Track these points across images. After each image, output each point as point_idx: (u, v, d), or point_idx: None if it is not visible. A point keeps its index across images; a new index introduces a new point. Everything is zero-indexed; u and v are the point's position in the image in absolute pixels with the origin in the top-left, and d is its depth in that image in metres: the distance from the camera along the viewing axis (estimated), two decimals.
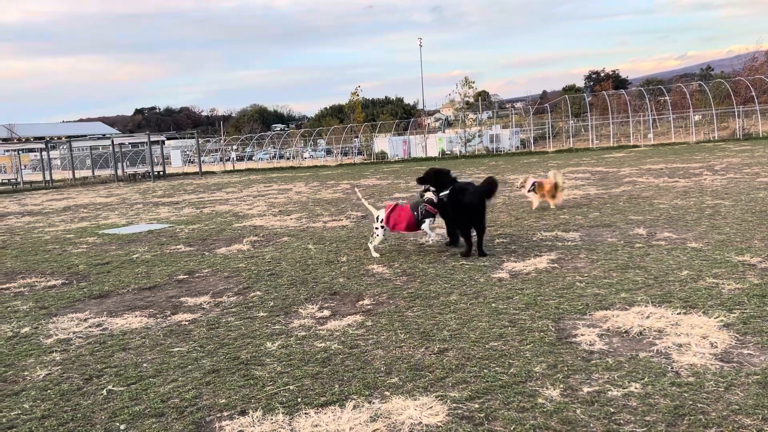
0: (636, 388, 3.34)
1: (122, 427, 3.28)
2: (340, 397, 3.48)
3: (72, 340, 4.90)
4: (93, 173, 40.46)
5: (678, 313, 4.52)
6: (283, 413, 3.32)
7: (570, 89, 79.55)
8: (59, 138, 57.02)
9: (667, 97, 43.97)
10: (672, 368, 3.58)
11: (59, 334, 5.05)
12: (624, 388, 3.35)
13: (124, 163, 43.53)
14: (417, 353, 4.12)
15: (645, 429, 2.90)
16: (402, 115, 78.65)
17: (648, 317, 4.48)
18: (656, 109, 43.91)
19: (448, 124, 60.40)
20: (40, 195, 27.20)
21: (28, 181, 37.49)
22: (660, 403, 3.15)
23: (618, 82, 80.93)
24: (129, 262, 8.22)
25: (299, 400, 3.49)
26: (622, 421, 2.99)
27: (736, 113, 35.87)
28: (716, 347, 3.84)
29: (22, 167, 42.00)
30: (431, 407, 3.29)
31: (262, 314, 5.29)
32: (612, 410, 3.11)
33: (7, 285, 7.22)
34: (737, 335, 4.02)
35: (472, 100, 45.88)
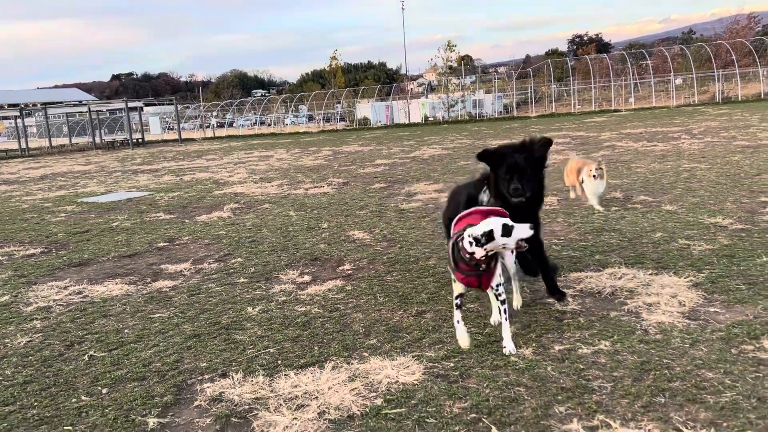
0: (605, 346, 3.45)
1: (104, 390, 3.33)
2: (319, 359, 3.56)
3: (52, 307, 4.91)
4: (70, 141, 39.76)
5: (650, 274, 4.64)
6: (263, 375, 3.40)
7: (553, 53, 79.19)
8: (34, 105, 55.68)
9: (649, 61, 44.00)
10: (641, 326, 3.70)
11: (39, 302, 5.06)
12: (594, 346, 3.46)
13: (102, 131, 42.76)
14: (395, 316, 4.20)
15: (612, 384, 3.01)
16: (385, 80, 77.91)
17: (620, 278, 4.60)
18: (638, 74, 43.95)
19: (431, 89, 60.01)
20: (16, 163, 26.73)
21: (3, 150, 36.73)
22: (628, 360, 3.26)
23: (601, 46, 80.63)
24: (109, 230, 8.18)
25: (279, 362, 3.56)
26: (590, 377, 3.10)
27: (716, 77, 36.05)
28: (684, 306, 3.97)
29: None
30: (408, 366, 3.38)
31: (242, 280, 5.33)
32: (582, 367, 3.22)
33: None
34: (705, 294, 4.14)
35: (455, 64, 45.49)
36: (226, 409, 3.04)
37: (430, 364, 3.38)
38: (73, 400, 3.25)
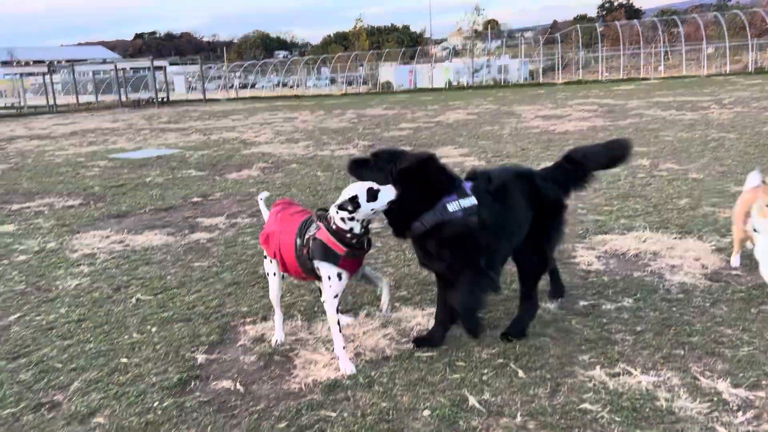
0: (628, 303, 3.60)
1: (153, 329, 3.57)
2: (353, 307, 3.76)
3: (97, 254, 5.17)
4: (96, 98, 40.14)
5: (674, 238, 4.74)
6: (301, 320, 3.61)
7: (581, 19, 77.31)
8: (59, 62, 56.06)
9: (681, 29, 42.83)
10: (663, 286, 3.83)
11: (84, 249, 5.32)
12: (617, 303, 3.61)
13: (127, 89, 43.06)
14: (424, 271, 4.36)
15: (634, 337, 3.17)
16: (408, 44, 76.86)
17: (645, 241, 4.71)
18: (669, 41, 42.86)
19: (455, 53, 59.20)
20: (45, 119, 27.15)
21: (32, 106, 37.25)
22: (650, 316, 3.41)
23: (631, 12, 78.49)
24: (142, 185, 8.43)
25: (315, 309, 3.76)
26: (613, 330, 3.26)
27: (750, 46, 35.06)
28: (707, 268, 4.08)
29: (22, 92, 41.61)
30: None
31: None
32: (605, 321, 3.37)
33: (27, 204, 7.47)
34: (727, 258, 4.24)
35: (480, 28, 44.76)
36: (269, 348, 3.26)
37: None
38: (126, 337, 3.49)
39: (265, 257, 3.32)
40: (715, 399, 2.57)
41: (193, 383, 2.94)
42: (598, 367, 2.87)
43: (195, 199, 7.30)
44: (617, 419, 2.47)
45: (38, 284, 4.48)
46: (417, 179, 2.91)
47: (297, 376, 2.95)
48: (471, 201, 2.93)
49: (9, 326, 3.72)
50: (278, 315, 3.34)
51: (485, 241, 2.97)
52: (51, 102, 35.18)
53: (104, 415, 2.68)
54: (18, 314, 3.90)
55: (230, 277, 4.42)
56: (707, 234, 4.79)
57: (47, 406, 2.79)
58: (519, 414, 2.54)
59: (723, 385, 2.66)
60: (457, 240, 2.93)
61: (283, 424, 2.56)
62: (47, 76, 36.93)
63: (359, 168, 3.05)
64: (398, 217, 2.99)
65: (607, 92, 24.11)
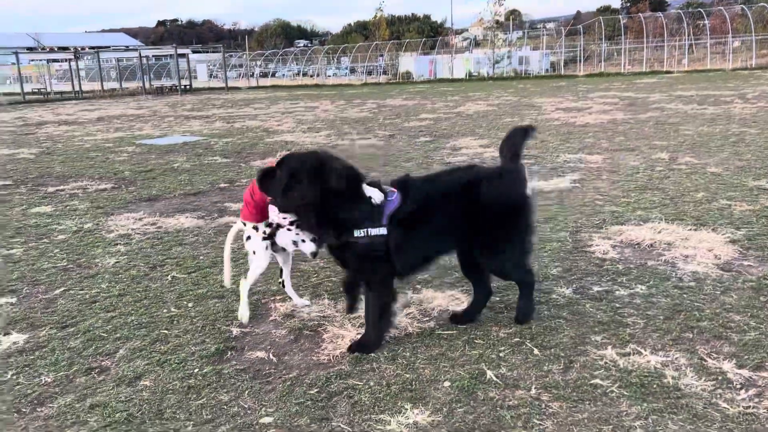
0: (641, 290, 3.75)
1: (190, 305, 3.80)
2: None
3: (132, 235, 5.43)
4: (120, 85, 40.72)
5: (689, 230, 4.86)
6: (328, 299, 3.82)
7: (605, 10, 76.37)
8: (83, 48, 56.86)
9: (707, 21, 42.25)
10: (676, 275, 3.97)
11: (119, 230, 5.58)
12: (630, 289, 3.76)
13: (150, 76, 43.61)
14: (445, 257, 4.55)
15: (645, 321, 3.33)
16: (429, 33, 76.56)
17: (660, 232, 4.84)
18: (694, 34, 42.29)
19: (476, 44, 58.88)
20: (71, 105, 27.68)
21: (58, 92, 37.94)
22: (661, 302, 3.56)
23: (656, 3, 77.41)
24: (171, 171, 8.70)
25: (341, 289, 3.96)
26: (625, 314, 3.42)
27: None
28: (719, 259, 4.21)
29: (48, 78, 42.36)
30: (457, 298, 3.75)
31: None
32: (617, 306, 3.53)
33: (62, 187, 7.77)
34: (740, 249, 4.37)
35: (502, 18, 44.52)
36: (298, 323, 3.48)
37: None
38: (164, 311, 3.73)
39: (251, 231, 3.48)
40: (720, 378, 2.73)
41: (229, 353, 3.16)
42: (609, 347, 3.04)
43: (222, 185, 7.54)
44: (626, 393, 2.64)
45: (79, 261, 4.74)
46: (336, 193, 2.92)
47: (326, 349, 3.16)
48: (380, 231, 2.95)
49: (55, 299, 3.98)
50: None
51: (394, 263, 3.03)
52: (77, 88, 35.76)
53: (149, 379, 2.92)
54: (62, 288, 4.16)
55: None
56: (722, 226, 4.91)
57: (96, 370, 3.03)
58: (533, 387, 2.73)
59: (728, 366, 2.81)
60: (362, 262, 3.05)
61: (314, 390, 2.77)
62: (73, 63, 37.49)
63: (265, 179, 3.04)
64: (315, 221, 3.03)
65: (629, 85, 23.97)
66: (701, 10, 45.22)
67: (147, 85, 37.37)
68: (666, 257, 4.31)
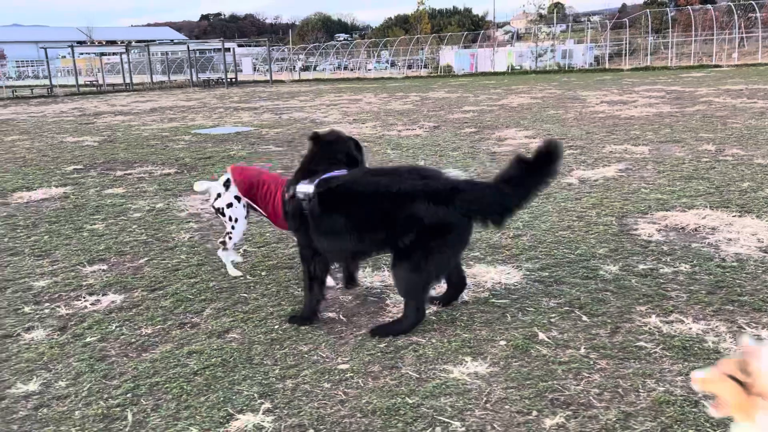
0: (685, 268, 3.96)
1: (263, 273, 4.18)
2: None
3: (201, 214, 5.86)
4: (168, 78, 41.94)
5: (733, 216, 5.02)
6: (387, 270, 4.13)
7: (652, 2, 74.63)
8: (129, 42, 58.74)
9: (758, 14, 40.99)
10: (719, 255, 4.17)
11: (189, 210, 6.02)
12: (674, 267, 3.98)
13: (197, 69, 44.75)
14: (494, 237, 4.83)
15: (688, 295, 3.55)
16: (470, 27, 76.19)
17: (704, 218, 5.01)
18: (745, 27, 41.12)
19: (518, 37, 58.40)
20: (123, 97, 28.74)
21: (110, 84, 39.32)
22: (704, 279, 3.77)
23: None
24: (228, 158, 9.16)
25: None
26: (669, 289, 3.64)
27: None
28: (762, 242, 4.38)
29: (100, 70, 43.83)
30: (509, 273, 4.02)
31: None
32: (662, 281, 3.76)
33: (129, 171, 8.30)
34: None
35: (545, 12, 44.09)
36: (363, 291, 3.81)
37: (528, 273, 4.01)
38: (241, 278, 4.11)
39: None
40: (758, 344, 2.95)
41: None
42: (653, 316, 3.28)
43: (280, 171, 7.94)
44: (668, 354, 2.89)
45: (157, 236, 5.18)
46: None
47: (390, 312, 3.48)
48: (308, 188, 3.21)
49: (142, 267, 4.41)
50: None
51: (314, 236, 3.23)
52: (128, 80, 37.00)
53: (236, 332, 3.29)
54: (147, 258, 4.60)
55: None
56: (766, 214, 5.04)
57: (188, 325, 3.43)
58: (582, 347, 3.00)
59: (765, 334, 3.03)
60: (292, 221, 3.37)
61: (382, 345, 3.09)
62: (124, 56, 38.77)
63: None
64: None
65: (676, 79, 23.62)
66: (753, 3, 43.90)
67: (194, 78, 38.40)
68: (710, 240, 4.49)
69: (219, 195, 4.04)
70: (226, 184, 4.02)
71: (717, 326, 3.13)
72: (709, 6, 46.46)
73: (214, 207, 4.11)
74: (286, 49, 64.39)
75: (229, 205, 4.01)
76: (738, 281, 3.70)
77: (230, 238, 4.07)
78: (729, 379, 1.68)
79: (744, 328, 3.10)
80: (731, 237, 4.51)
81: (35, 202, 6.68)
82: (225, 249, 4.13)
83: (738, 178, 6.39)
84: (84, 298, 3.85)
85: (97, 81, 39.71)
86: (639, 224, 4.96)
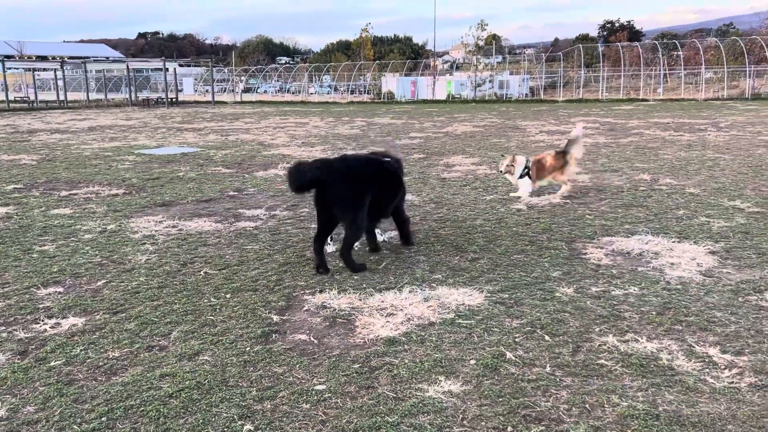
0: (634, 290, 4.21)
1: (228, 296, 4.16)
2: (397, 285, 4.36)
3: (156, 236, 5.75)
4: (106, 96, 40.72)
5: (673, 242, 5.36)
6: (354, 293, 4.20)
7: (583, 38, 78.47)
8: (61, 57, 56.75)
9: (680, 52, 43.87)
10: (664, 279, 4.45)
11: (143, 231, 5.90)
12: (625, 290, 4.22)
13: (135, 88, 43.65)
14: (453, 260, 4.98)
15: (640, 315, 3.78)
16: (410, 55, 77.80)
17: (647, 243, 5.33)
18: (668, 64, 43.87)
19: (457, 66, 60.04)
20: (57, 114, 27.70)
21: (43, 101, 37.77)
22: (652, 300, 4.02)
23: (632, 33, 79.78)
24: (177, 179, 9.02)
25: (364, 285, 4.36)
26: (622, 310, 3.87)
27: (748, 72, 36.02)
28: (702, 266, 4.70)
29: (31, 86, 42.09)
30: (471, 294, 4.16)
31: (314, 226, 6.12)
32: (615, 303, 3.99)
33: (75, 191, 8.04)
34: (720, 259, 4.87)
35: (483, 43, 45.55)
36: (331, 313, 3.86)
37: (489, 294, 4.16)
38: (205, 301, 4.08)
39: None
40: (707, 360, 3.18)
41: (273, 336, 3.53)
42: (611, 335, 3.48)
43: (231, 193, 7.89)
44: (628, 371, 3.07)
45: (112, 258, 5.06)
46: None
47: (360, 334, 3.54)
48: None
49: (100, 289, 4.30)
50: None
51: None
52: (62, 98, 35.69)
53: (208, 354, 3.27)
54: (104, 280, 4.48)
55: (282, 259, 5.02)
56: (702, 240, 5.42)
57: (156, 348, 3.38)
58: (548, 365, 3.14)
59: (713, 351, 3.27)
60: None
61: (357, 365, 3.15)
62: (59, 72, 37.44)
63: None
64: None
65: (608, 111, 24.87)
66: (675, 42, 46.90)
67: (133, 97, 37.45)
68: (654, 264, 4.78)
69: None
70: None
71: (669, 344, 3.35)
72: (635, 43, 49.32)
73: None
74: (226, 70, 63.82)
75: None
76: (683, 303, 3.97)
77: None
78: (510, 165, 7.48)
79: (693, 347, 3.33)
80: (673, 261, 4.82)
81: None
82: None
83: (674, 206, 6.82)
84: (43, 321, 3.72)
85: (29, 97, 38.07)
86: (588, 249, 5.23)
